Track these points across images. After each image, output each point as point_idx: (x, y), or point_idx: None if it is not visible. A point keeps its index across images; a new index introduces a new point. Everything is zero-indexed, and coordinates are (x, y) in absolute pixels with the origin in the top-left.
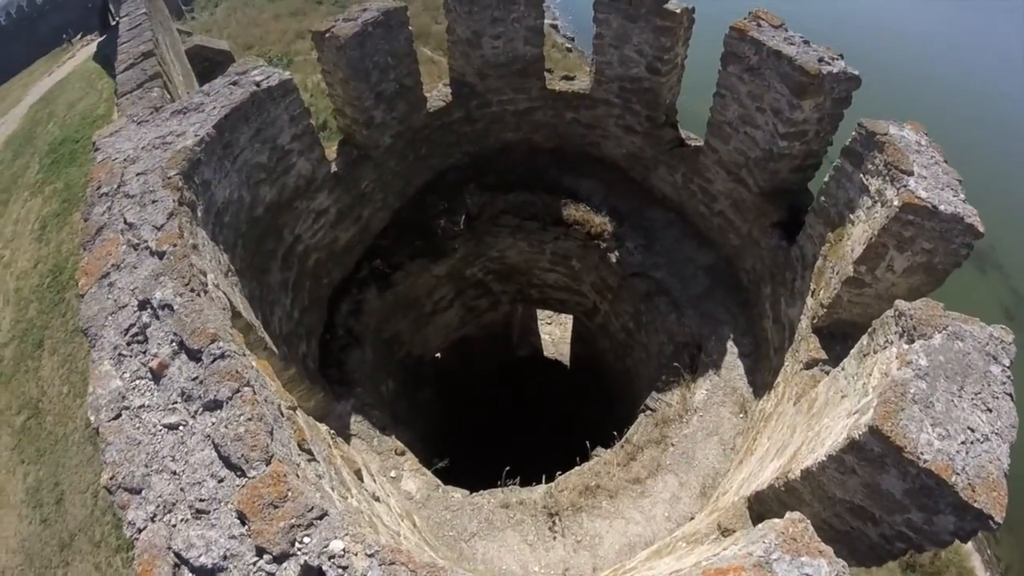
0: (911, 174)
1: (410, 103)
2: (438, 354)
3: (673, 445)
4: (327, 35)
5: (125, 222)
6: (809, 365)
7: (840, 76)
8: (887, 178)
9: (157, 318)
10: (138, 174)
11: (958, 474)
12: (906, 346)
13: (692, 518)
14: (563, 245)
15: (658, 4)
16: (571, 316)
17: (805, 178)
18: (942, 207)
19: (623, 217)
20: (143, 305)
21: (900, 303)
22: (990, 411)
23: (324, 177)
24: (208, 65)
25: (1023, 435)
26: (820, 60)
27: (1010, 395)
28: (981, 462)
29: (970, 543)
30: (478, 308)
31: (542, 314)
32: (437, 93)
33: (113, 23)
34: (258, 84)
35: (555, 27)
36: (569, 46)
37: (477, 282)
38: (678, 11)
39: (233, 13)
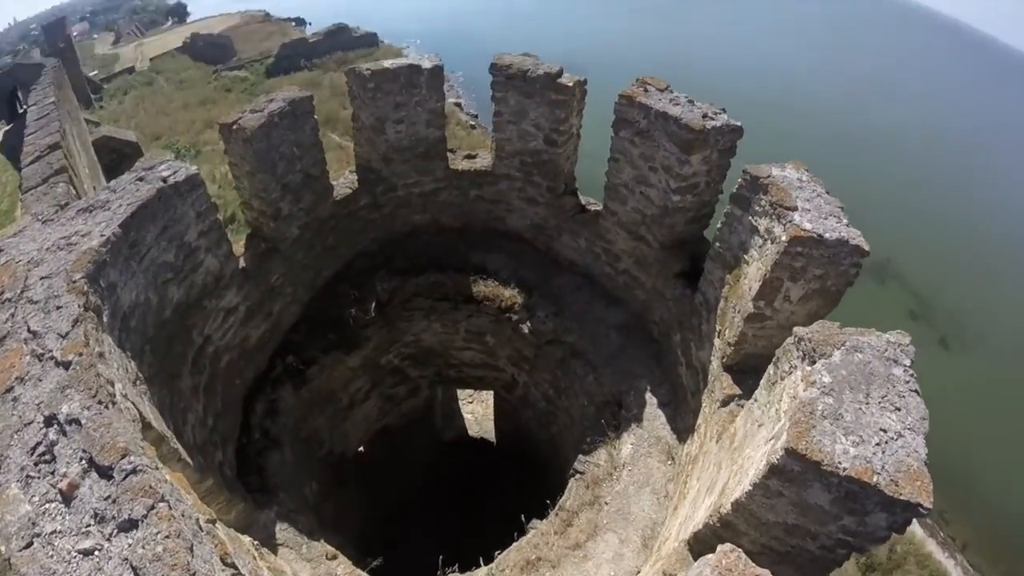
0: (795, 209)
1: (317, 193)
2: (360, 448)
3: (607, 504)
4: (234, 127)
5: (29, 330)
6: (725, 402)
7: (724, 129)
8: (774, 216)
9: (64, 434)
10: (42, 278)
11: (878, 474)
12: (809, 368)
13: (638, 572)
14: (476, 322)
15: (552, 79)
16: (492, 392)
17: (701, 227)
18: (827, 235)
19: (532, 287)
20: (49, 421)
21: (798, 329)
22: (899, 410)
23: (232, 273)
24: (115, 156)
25: (968, 425)
26: (704, 116)
27: (915, 391)
28: (899, 457)
29: (922, 530)
30: (397, 396)
31: (463, 394)
32: (343, 181)
33: (21, 111)
34: (165, 180)
35: (459, 105)
36: (473, 123)
37: (393, 369)
38: (571, 84)
39: (141, 102)
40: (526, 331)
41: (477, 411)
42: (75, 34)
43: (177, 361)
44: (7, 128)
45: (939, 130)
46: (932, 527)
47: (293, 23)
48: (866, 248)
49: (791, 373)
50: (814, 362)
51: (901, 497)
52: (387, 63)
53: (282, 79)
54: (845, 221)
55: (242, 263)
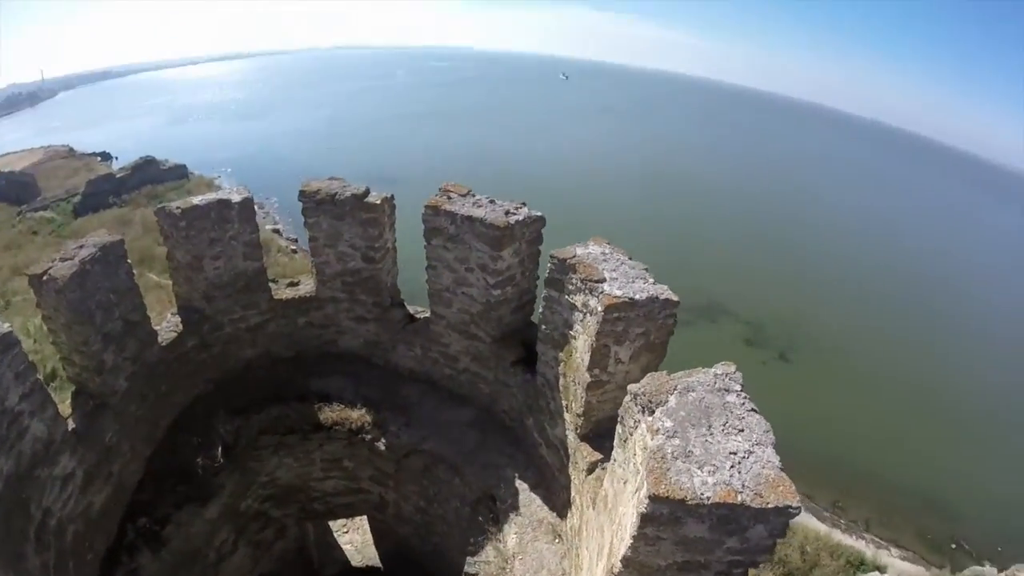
0: (604, 281)
1: (140, 339)
2: None
3: None
4: (44, 278)
5: None
6: (591, 469)
7: (527, 221)
8: (587, 291)
9: None
10: None
11: (741, 492)
12: (650, 418)
13: None
14: (330, 449)
15: (360, 200)
16: (365, 516)
17: (527, 315)
18: (637, 296)
19: (379, 403)
20: None
21: (631, 387)
22: (742, 431)
23: (63, 437)
24: None
25: (829, 417)
26: (507, 213)
27: (753, 410)
28: (755, 472)
29: (823, 525)
30: (265, 541)
31: (337, 524)
32: (167, 324)
33: None
34: None
35: (277, 232)
36: (294, 248)
37: (256, 513)
38: (379, 201)
39: None
40: (382, 448)
41: (356, 539)
42: None
43: (19, 539)
44: None
45: (734, 176)
46: (832, 519)
47: (99, 158)
48: (675, 299)
49: (636, 427)
50: (653, 412)
51: (769, 506)
52: (196, 199)
53: (91, 218)
54: (651, 280)
55: (71, 424)
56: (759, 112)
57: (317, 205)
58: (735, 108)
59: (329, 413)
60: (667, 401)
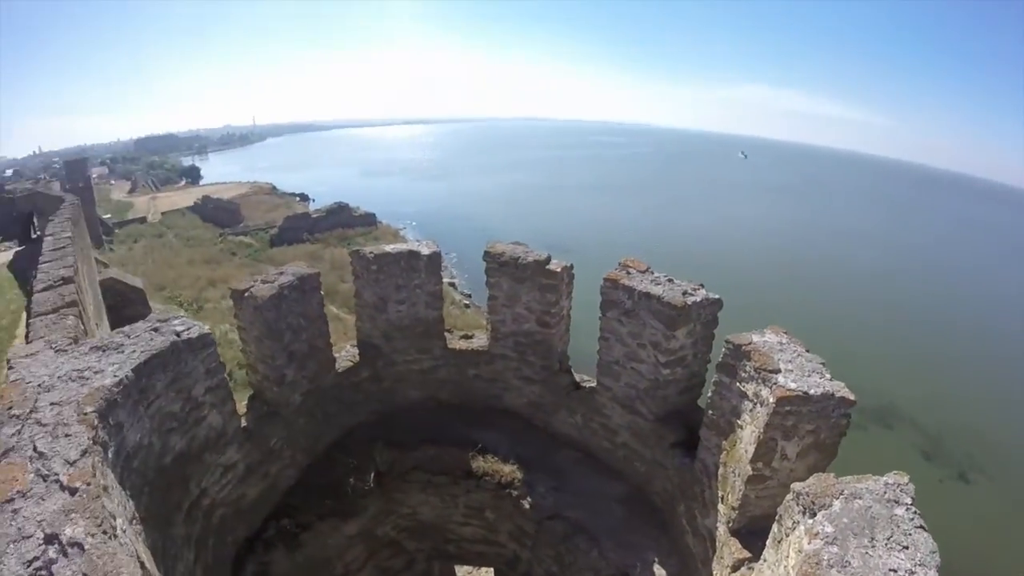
0: (778, 372)
1: (320, 363)
2: None
3: None
4: (246, 294)
5: (35, 449)
6: (736, 567)
7: (703, 303)
8: (759, 380)
9: (65, 555)
10: (52, 404)
11: None
12: (810, 520)
13: None
14: (475, 497)
15: (541, 266)
16: (492, 569)
17: (693, 397)
18: (812, 391)
19: (531, 463)
20: (50, 539)
21: (796, 485)
22: (907, 548)
23: (234, 431)
24: (119, 299)
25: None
26: (684, 293)
27: (921, 527)
28: None
29: None
30: (392, 569)
31: (462, 570)
32: (345, 353)
33: (35, 236)
34: (178, 334)
35: (453, 285)
36: (467, 303)
37: (390, 541)
38: (559, 270)
39: (151, 252)
40: (527, 506)
41: None
42: (94, 176)
43: (173, 508)
44: (19, 249)
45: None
46: None
47: (297, 198)
48: (852, 398)
49: (794, 528)
50: (815, 514)
51: None
52: (389, 247)
53: (284, 249)
54: (828, 376)
55: (244, 422)
56: (956, 194)
57: (500, 266)
58: (919, 187)
59: (482, 463)
60: (831, 505)
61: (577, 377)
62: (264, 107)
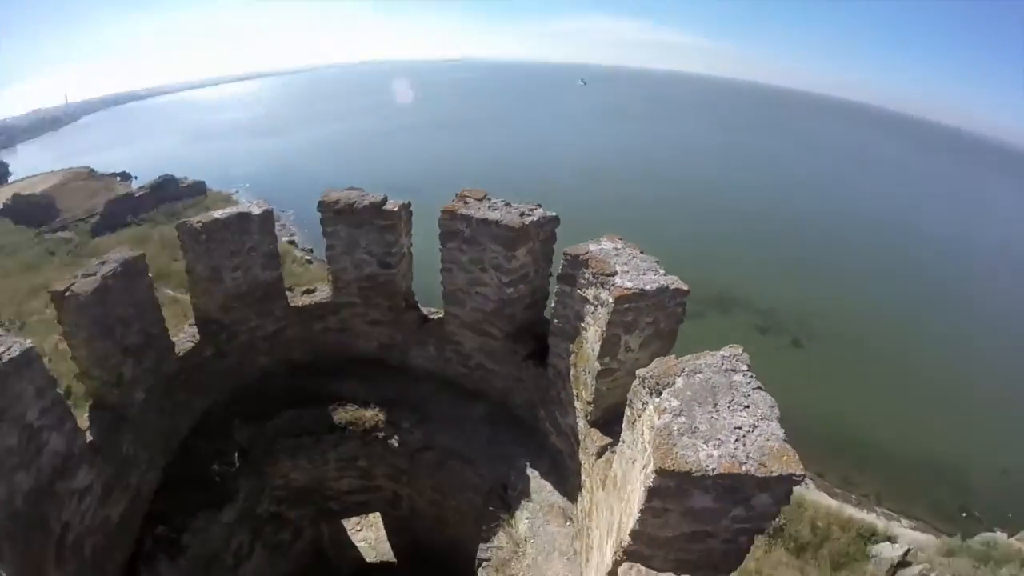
0: (615, 274)
1: (158, 351)
2: None
3: None
4: (67, 294)
5: None
6: (600, 453)
7: (541, 222)
8: (599, 285)
9: None
10: None
11: (745, 463)
12: (657, 399)
13: None
14: (344, 449)
15: (377, 208)
16: (379, 513)
17: (539, 310)
18: (647, 287)
19: (393, 402)
20: None
21: (640, 371)
22: (748, 407)
23: (81, 451)
24: None
25: (841, 397)
26: (522, 215)
27: (759, 388)
28: (760, 444)
29: (834, 501)
30: (282, 543)
31: (350, 523)
32: (184, 335)
33: None
34: None
35: (293, 243)
36: (309, 258)
37: (272, 516)
38: (396, 209)
39: None
40: (396, 445)
41: (369, 536)
42: None
43: (39, 557)
44: None
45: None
46: (843, 494)
47: (118, 178)
48: (685, 288)
49: (644, 408)
50: (660, 393)
51: (773, 474)
52: (217, 213)
53: (109, 237)
54: (662, 272)
55: (89, 437)
56: (771, 107)
57: (336, 215)
58: (747, 104)
59: (343, 413)
60: (674, 383)
61: (425, 311)
62: (77, 82)
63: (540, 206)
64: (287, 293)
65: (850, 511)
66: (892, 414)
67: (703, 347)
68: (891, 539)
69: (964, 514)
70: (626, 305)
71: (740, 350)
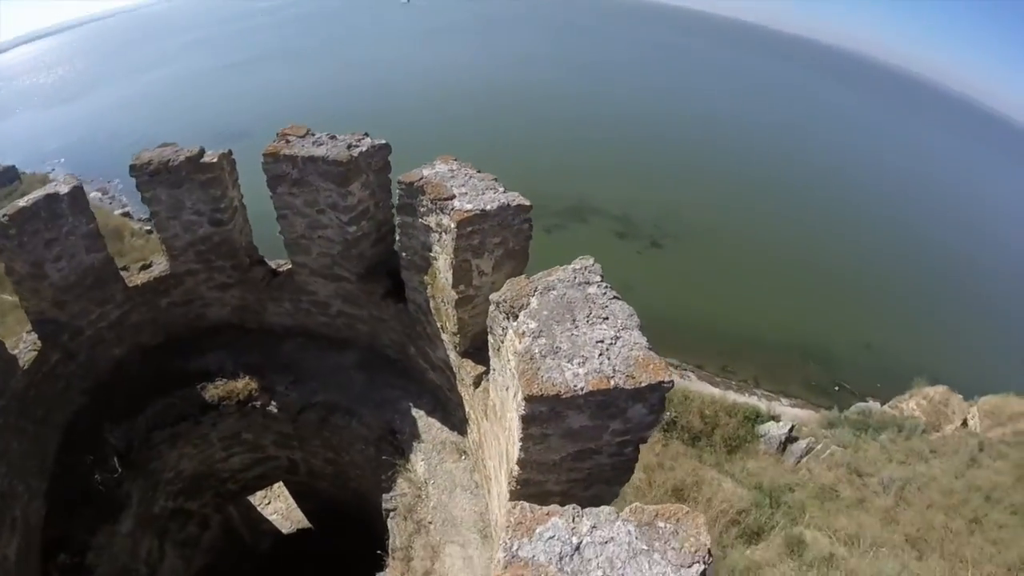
0: (453, 197)
1: (1, 370)
2: None
3: (431, 523)
4: None
5: None
6: (477, 383)
7: (371, 151)
8: (438, 211)
9: None
10: None
11: (613, 376)
12: (515, 323)
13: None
14: (224, 426)
15: (195, 163)
16: (281, 483)
17: (388, 245)
18: (488, 207)
19: (262, 367)
20: None
21: (492, 296)
22: (607, 319)
23: None
24: None
25: (705, 292)
26: (349, 147)
27: (616, 297)
28: (624, 355)
29: (718, 389)
30: (191, 537)
31: (256, 499)
32: (24, 345)
33: None
34: None
35: (128, 215)
36: (149, 228)
37: (172, 512)
38: (215, 160)
39: None
40: (275, 411)
41: (280, 507)
42: None
43: None
44: None
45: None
46: (724, 382)
47: None
48: (527, 203)
49: (505, 334)
50: (517, 316)
51: (643, 384)
52: (22, 201)
53: None
54: (502, 189)
55: None
56: (625, 20)
57: (151, 177)
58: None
59: (213, 390)
60: (529, 304)
61: (273, 264)
62: None
63: (367, 135)
64: (123, 273)
65: (733, 396)
66: (759, 303)
67: (564, 259)
68: (775, 418)
69: (837, 387)
70: (469, 228)
71: (591, 261)
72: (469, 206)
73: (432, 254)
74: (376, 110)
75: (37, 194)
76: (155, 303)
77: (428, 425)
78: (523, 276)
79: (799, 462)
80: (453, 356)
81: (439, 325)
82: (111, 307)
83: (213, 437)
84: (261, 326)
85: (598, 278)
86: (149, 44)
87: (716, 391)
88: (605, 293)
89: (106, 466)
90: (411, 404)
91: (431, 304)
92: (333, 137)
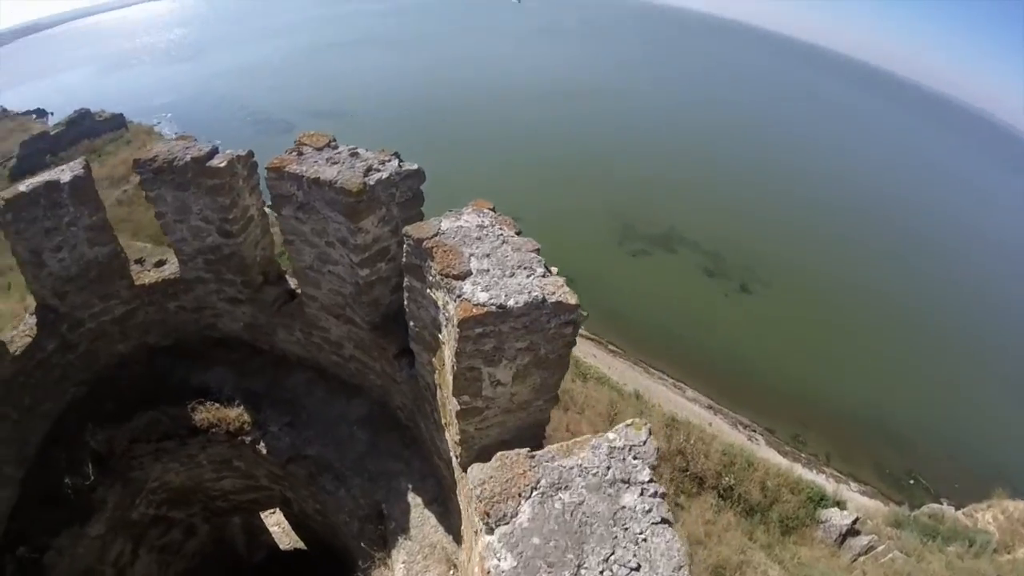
0: (466, 276)
1: None
2: None
3: None
4: None
5: None
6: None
7: (393, 179)
8: (445, 288)
9: None
10: None
11: None
12: (487, 539)
13: None
14: (213, 451)
15: (200, 165)
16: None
17: None
18: (511, 302)
19: (260, 397)
20: None
21: (472, 475)
22: (637, 568)
23: None
24: None
25: (791, 351)
26: (367, 171)
27: (664, 522)
28: None
29: (784, 459)
30: (173, 543)
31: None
32: (20, 330)
33: None
34: None
35: None
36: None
37: (154, 519)
38: (223, 165)
39: None
40: (264, 451)
41: (283, 520)
42: None
43: None
44: None
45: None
46: (792, 452)
47: (33, 116)
48: (573, 302)
49: (478, 538)
50: (492, 531)
51: None
52: (22, 186)
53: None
54: (540, 270)
55: None
56: (738, 44)
57: (156, 175)
58: (709, 38)
59: (204, 414)
60: (516, 514)
61: (292, 284)
62: None
63: (396, 155)
64: (137, 267)
65: (800, 471)
66: (844, 371)
67: (651, 289)
68: (840, 504)
69: (912, 481)
70: (479, 330)
71: (643, 435)
72: (483, 296)
73: (441, 336)
74: (471, 104)
75: (37, 180)
76: (163, 305)
77: (422, 519)
78: (520, 452)
79: (855, 560)
80: (455, 463)
81: (443, 422)
82: (116, 303)
83: (202, 459)
84: (273, 349)
85: (646, 475)
86: (267, 17)
87: (783, 461)
88: (649, 511)
89: (79, 470)
90: (410, 487)
91: (438, 393)
92: (355, 154)
